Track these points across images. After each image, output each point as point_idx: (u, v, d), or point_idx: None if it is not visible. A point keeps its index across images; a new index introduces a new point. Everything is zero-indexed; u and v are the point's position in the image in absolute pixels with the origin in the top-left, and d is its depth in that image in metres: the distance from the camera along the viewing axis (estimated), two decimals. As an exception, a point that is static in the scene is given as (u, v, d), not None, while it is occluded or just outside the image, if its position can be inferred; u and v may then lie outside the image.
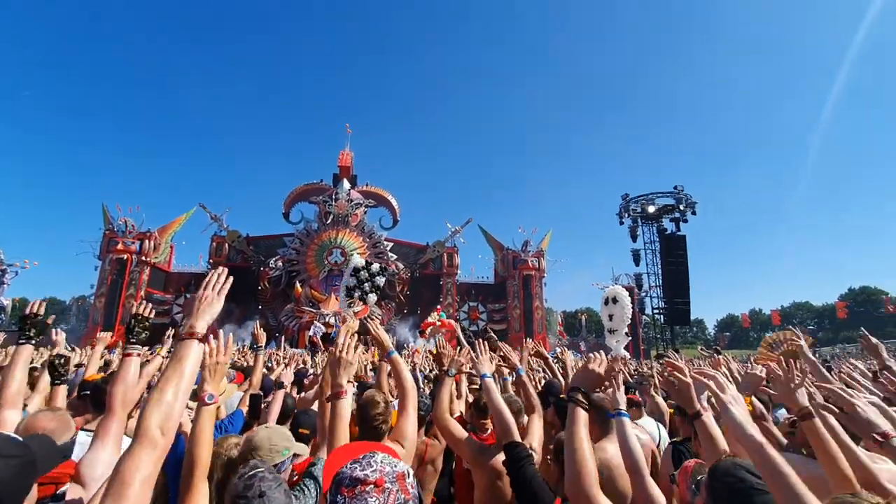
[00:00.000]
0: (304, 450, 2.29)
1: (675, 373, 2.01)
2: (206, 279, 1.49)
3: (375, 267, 23.45)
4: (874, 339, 3.03)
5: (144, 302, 2.25)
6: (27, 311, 2.16)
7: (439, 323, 18.95)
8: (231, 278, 1.50)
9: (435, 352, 3.65)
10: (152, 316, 2.17)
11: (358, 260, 23.49)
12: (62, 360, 2.47)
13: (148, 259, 28.16)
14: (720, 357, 3.37)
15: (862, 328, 3.22)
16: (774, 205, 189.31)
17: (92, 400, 2.63)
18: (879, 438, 1.61)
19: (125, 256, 27.42)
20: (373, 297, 23.83)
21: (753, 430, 1.41)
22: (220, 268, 1.50)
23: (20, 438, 1.18)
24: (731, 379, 2.00)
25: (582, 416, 1.64)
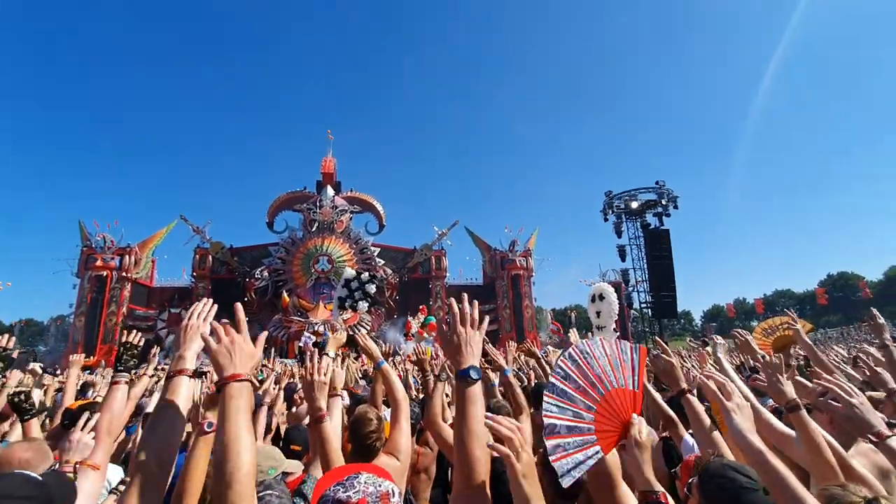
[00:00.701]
0: (295, 466, 2.23)
1: (661, 354, 2.18)
2: (191, 309, 1.49)
3: (366, 276, 23.33)
4: (881, 319, 3.17)
5: (135, 331, 2.26)
6: (15, 399, 2.15)
7: (427, 328, 18.93)
8: (216, 306, 1.49)
9: (415, 358, 3.62)
10: (141, 343, 2.14)
11: (349, 272, 23.37)
12: (23, 397, 2.36)
13: (129, 275, 27.54)
14: (706, 350, 3.41)
15: (872, 309, 3.33)
16: (754, 193, 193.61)
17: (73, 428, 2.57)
18: (874, 438, 1.62)
19: (105, 273, 26.78)
20: (363, 305, 23.71)
21: (755, 438, 1.45)
22: (206, 299, 1.50)
23: (39, 477, 1.16)
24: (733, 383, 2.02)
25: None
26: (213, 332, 1.30)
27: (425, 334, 18.36)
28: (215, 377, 1.35)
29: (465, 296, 1.44)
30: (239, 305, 1.38)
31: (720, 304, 77.65)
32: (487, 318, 1.43)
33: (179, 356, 1.42)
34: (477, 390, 1.26)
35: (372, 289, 22.89)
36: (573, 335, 1.74)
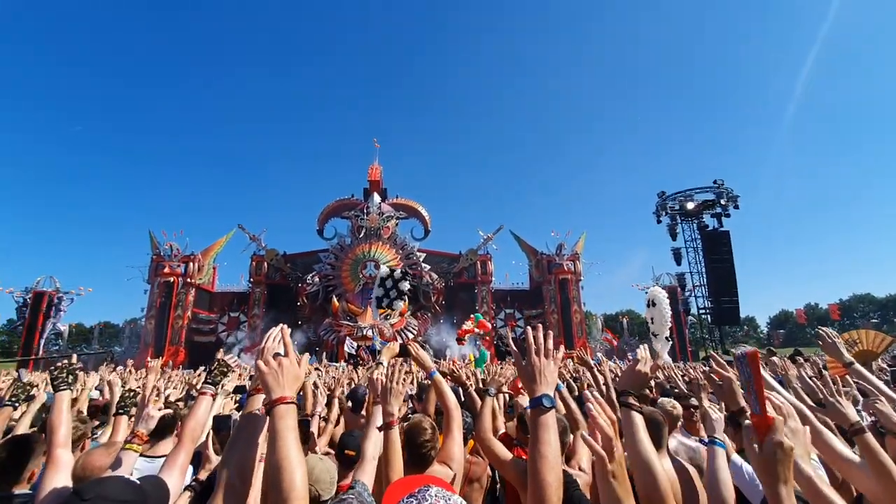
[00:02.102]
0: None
1: (717, 369, 2.00)
2: (268, 333, 1.45)
3: (398, 272, 23.64)
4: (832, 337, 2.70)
5: (231, 354, 2.46)
6: (61, 364, 2.32)
7: (477, 328, 18.82)
8: (288, 330, 1.47)
9: (447, 370, 3.59)
10: (233, 365, 2.32)
11: (384, 269, 23.81)
12: (132, 394, 2.55)
13: (193, 281, 29.41)
14: (774, 359, 3.14)
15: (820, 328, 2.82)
16: (827, 193, 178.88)
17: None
18: None
19: (172, 279, 28.74)
20: (400, 304, 24.03)
21: (805, 465, 1.33)
22: (282, 325, 1.47)
23: (136, 482, 1.25)
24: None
25: (639, 421, 1.51)
26: (262, 354, 1.34)
27: (473, 332, 18.21)
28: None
29: (540, 326, 1.45)
30: (286, 328, 1.43)
31: (789, 309, 72.26)
32: (563, 349, 1.43)
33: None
34: (550, 418, 1.26)
35: (405, 286, 23.15)
36: (641, 351, 1.61)
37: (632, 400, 1.53)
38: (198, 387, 2.15)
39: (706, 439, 2.35)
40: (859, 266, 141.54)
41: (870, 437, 1.54)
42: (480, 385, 4.28)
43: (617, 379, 2.63)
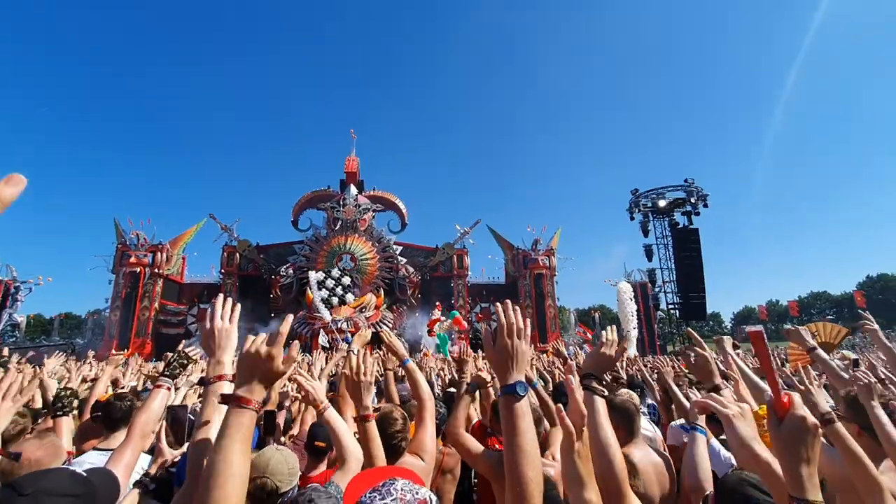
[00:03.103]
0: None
1: (693, 347, 2.01)
2: (210, 311, 1.40)
3: (335, 272, 23.86)
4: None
5: (192, 346, 2.32)
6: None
7: (453, 321, 18.83)
8: (238, 305, 1.42)
9: (457, 357, 3.56)
10: (197, 360, 2.18)
11: (312, 276, 24.08)
12: (68, 393, 2.40)
13: (161, 271, 28.41)
14: (739, 351, 3.23)
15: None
16: (788, 193, 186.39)
17: (104, 419, 2.63)
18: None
19: (138, 269, 27.68)
20: (350, 297, 24.26)
21: (761, 447, 1.23)
22: (222, 296, 1.43)
23: (83, 474, 1.14)
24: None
25: (600, 406, 1.47)
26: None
27: (441, 330, 18.21)
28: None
29: (509, 302, 1.33)
30: (290, 317, 1.32)
31: (752, 305, 75.18)
32: (530, 326, 1.32)
33: (217, 361, 1.39)
34: (525, 406, 1.17)
35: (346, 280, 23.23)
36: (608, 332, 1.56)
37: (594, 384, 1.50)
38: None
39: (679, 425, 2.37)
40: (817, 265, 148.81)
41: (840, 426, 1.54)
42: (454, 376, 4.27)
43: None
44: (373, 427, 1.90)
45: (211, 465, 0.99)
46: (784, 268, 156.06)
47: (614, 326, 1.63)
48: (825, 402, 1.68)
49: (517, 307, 1.31)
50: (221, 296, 1.45)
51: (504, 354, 1.24)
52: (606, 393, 1.54)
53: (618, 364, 5.33)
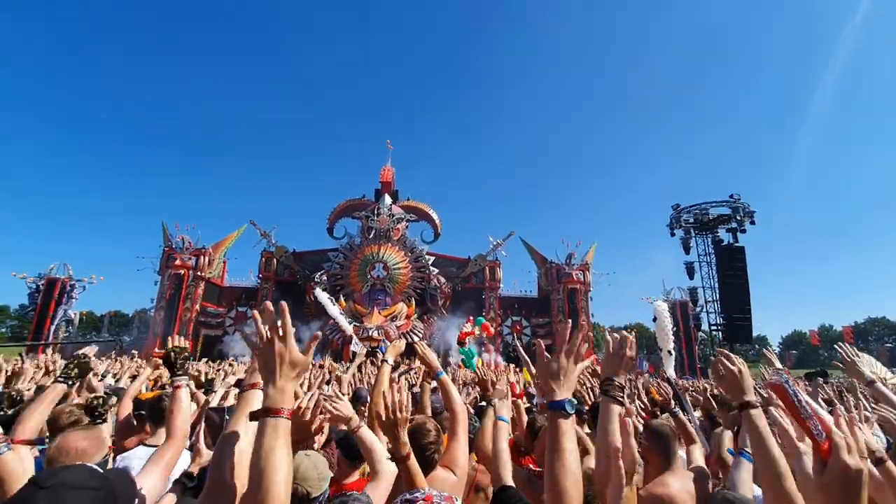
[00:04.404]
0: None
1: (722, 360, 1.84)
2: (256, 321, 1.29)
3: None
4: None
5: (179, 337, 2.33)
6: (76, 354, 2.25)
7: (480, 331, 18.57)
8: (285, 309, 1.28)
9: (478, 377, 3.48)
10: (187, 346, 2.22)
11: (322, 294, 23.09)
12: (101, 401, 2.46)
13: (203, 274, 29.60)
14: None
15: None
16: (845, 209, 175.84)
17: (150, 416, 2.75)
18: None
19: (182, 272, 28.95)
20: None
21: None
22: (268, 303, 1.31)
23: (101, 471, 1.16)
24: None
25: (615, 414, 1.42)
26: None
27: (474, 336, 18.00)
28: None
29: (570, 323, 1.43)
30: (284, 305, 1.29)
31: (802, 330, 70.88)
32: (585, 348, 1.36)
33: (254, 369, 1.47)
34: (571, 425, 1.18)
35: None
36: (626, 335, 1.47)
37: (616, 392, 1.44)
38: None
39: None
40: (875, 288, 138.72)
41: (891, 465, 1.48)
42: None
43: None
44: (415, 465, 1.68)
45: (253, 468, 1.03)
46: (839, 290, 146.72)
47: (624, 332, 1.53)
48: (874, 440, 1.60)
49: (582, 333, 1.36)
50: (268, 303, 1.34)
51: (558, 370, 1.28)
52: (625, 401, 1.55)
53: (651, 385, 5.09)
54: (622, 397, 1.46)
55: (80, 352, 2.28)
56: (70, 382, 2.23)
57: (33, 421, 1.97)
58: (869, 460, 1.28)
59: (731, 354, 1.85)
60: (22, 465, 1.60)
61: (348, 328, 23.37)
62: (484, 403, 3.59)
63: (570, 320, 1.40)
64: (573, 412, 1.19)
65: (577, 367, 1.30)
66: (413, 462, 1.69)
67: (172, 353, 2.14)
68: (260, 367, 1.20)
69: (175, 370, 2.11)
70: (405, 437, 1.71)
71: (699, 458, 2.49)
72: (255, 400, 1.37)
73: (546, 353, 1.33)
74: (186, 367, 2.17)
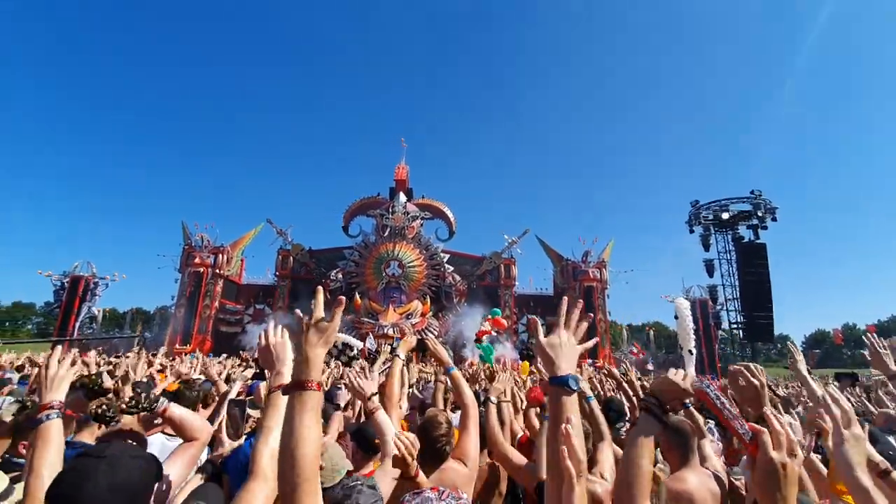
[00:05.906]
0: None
1: (744, 371, 1.83)
2: (263, 332, 1.59)
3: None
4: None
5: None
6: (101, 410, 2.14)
7: (494, 327, 18.56)
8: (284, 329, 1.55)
9: (469, 372, 3.52)
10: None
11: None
12: (105, 408, 2.47)
13: (221, 272, 30.16)
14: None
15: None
16: (869, 205, 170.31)
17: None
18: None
19: (201, 269, 29.51)
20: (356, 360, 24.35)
21: (864, 475, 1.26)
22: (270, 323, 1.58)
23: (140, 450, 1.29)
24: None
25: (650, 436, 1.29)
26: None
27: (491, 333, 18.03)
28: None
29: (566, 299, 1.31)
30: (320, 289, 1.41)
31: (825, 328, 68.99)
32: (585, 326, 1.28)
33: (277, 373, 1.50)
34: (574, 402, 1.12)
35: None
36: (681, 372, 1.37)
37: (656, 408, 1.30)
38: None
39: None
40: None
41: None
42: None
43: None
44: (423, 480, 1.71)
45: (282, 442, 1.05)
46: (864, 289, 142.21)
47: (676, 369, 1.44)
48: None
49: (579, 303, 1.29)
50: (272, 322, 1.57)
51: (553, 346, 1.21)
52: (666, 420, 1.35)
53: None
54: (661, 414, 1.29)
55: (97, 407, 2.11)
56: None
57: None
58: (867, 471, 1.28)
59: (753, 366, 1.82)
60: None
61: (358, 343, 23.64)
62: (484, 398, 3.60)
63: (565, 297, 1.32)
64: (577, 388, 1.13)
65: (578, 344, 1.23)
66: (422, 478, 1.74)
67: (135, 390, 2.12)
68: (291, 341, 1.27)
69: (96, 415, 2.02)
70: (415, 464, 1.73)
71: (710, 453, 2.45)
72: (284, 402, 1.38)
73: (540, 332, 1.28)
74: (138, 408, 1.94)
